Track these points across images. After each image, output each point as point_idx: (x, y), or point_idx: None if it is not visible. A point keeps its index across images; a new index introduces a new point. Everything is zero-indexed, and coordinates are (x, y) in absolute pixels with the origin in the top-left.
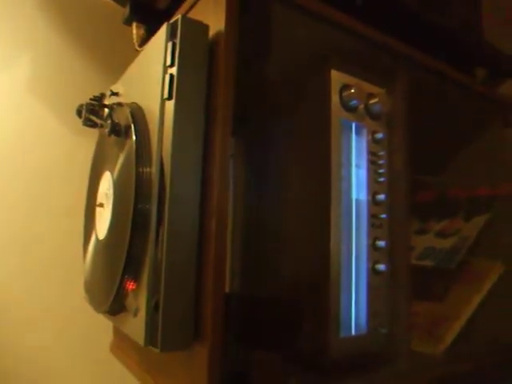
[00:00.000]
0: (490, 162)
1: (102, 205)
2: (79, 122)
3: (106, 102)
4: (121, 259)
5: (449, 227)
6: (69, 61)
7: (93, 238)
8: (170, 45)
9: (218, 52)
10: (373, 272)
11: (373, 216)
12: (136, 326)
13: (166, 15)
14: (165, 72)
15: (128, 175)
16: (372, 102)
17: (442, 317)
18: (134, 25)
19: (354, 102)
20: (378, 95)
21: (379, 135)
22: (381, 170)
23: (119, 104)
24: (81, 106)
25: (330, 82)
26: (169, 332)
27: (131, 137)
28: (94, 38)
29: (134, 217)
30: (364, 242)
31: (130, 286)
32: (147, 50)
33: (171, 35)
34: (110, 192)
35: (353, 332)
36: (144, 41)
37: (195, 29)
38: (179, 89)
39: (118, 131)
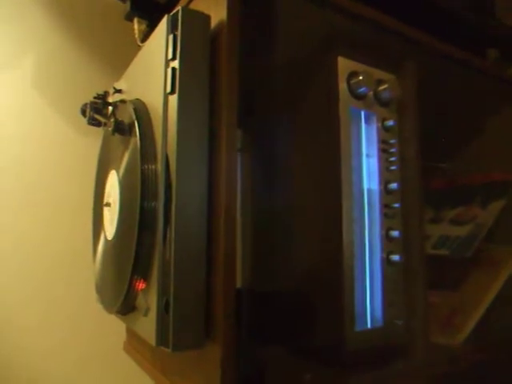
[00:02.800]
0: (504, 146)
1: (109, 204)
2: (84, 120)
3: (110, 99)
4: (129, 259)
5: (464, 214)
6: (72, 59)
7: (102, 239)
8: (171, 37)
9: (220, 43)
10: (387, 263)
11: (385, 206)
12: (147, 325)
13: (167, 8)
14: (167, 66)
15: (133, 173)
16: (381, 88)
17: (459, 306)
18: (136, 20)
19: (362, 90)
20: (387, 81)
21: (389, 123)
22: (392, 159)
23: (122, 101)
24: (85, 105)
25: (337, 69)
26: (180, 331)
27: (135, 134)
28: (98, 35)
29: (140, 215)
30: (377, 232)
31: (140, 285)
32: (149, 45)
33: (172, 27)
34: (117, 191)
35: (368, 325)
36: (146, 36)
37: (196, 20)
38: (182, 82)
39: (122, 129)
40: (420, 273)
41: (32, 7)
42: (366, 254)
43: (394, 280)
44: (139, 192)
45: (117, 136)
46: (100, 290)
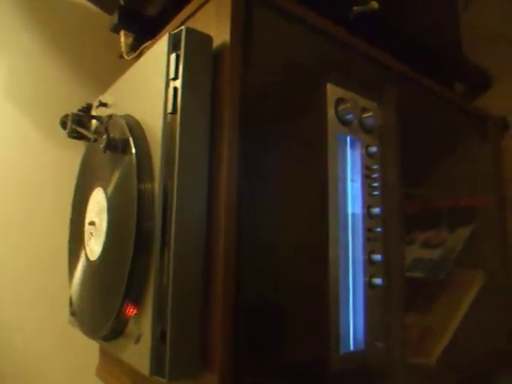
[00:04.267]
0: (470, 174)
1: (93, 223)
2: (57, 131)
3: (94, 113)
4: (120, 283)
5: (433, 238)
6: (48, 69)
7: (82, 259)
8: (173, 57)
9: (222, 64)
10: (369, 286)
11: (368, 230)
12: (138, 354)
13: (155, 24)
14: (167, 85)
15: (127, 192)
16: (366, 115)
17: (428, 328)
18: (122, 33)
19: (349, 116)
20: (371, 109)
21: (373, 149)
22: (375, 184)
23: (111, 116)
24: (65, 116)
25: (326, 96)
26: (176, 360)
27: (130, 151)
28: (76, 47)
29: (136, 237)
30: (360, 256)
31: (130, 311)
32: (145, 61)
33: (174, 46)
34: (104, 210)
35: (351, 347)
36: (132, 49)
37: (199, 40)
38: (184, 103)
39: (115, 146)
40: (399, 295)
41: (7, 12)
42: (349, 276)
43: (376, 303)
44: (135, 212)
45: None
46: (78, 313)
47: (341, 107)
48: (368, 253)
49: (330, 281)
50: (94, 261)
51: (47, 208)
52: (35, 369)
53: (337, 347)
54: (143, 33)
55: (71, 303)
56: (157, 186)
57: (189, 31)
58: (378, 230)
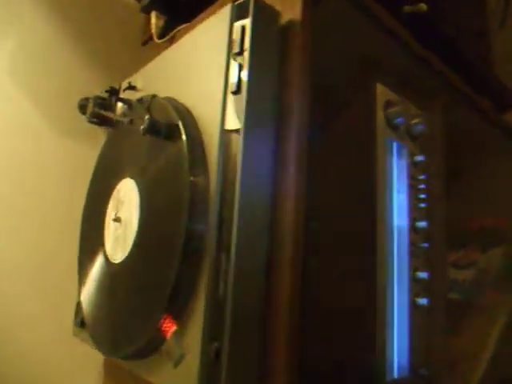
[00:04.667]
0: (499, 192)
1: (118, 219)
2: (62, 118)
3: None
4: (158, 292)
5: (464, 258)
6: (58, 50)
7: (100, 260)
8: (237, 29)
9: (291, 42)
10: (413, 306)
11: (413, 244)
12: (179, 378)
13: (189, 7)
14: (229, 61)
15: (171, 186)
16: (414, 121)
17: (461, 353)
18: (154, 15)
19: (398, 120)
20: (419, 115)
21: (419, 158)
22: (421, 196)
23: (154, 96)
24: (85, 99)
25: (375, 96)
26: None
27: (179, 138)
28: (89, 31)
29: (186, 239)
30: (405, 273)
31: (169, 326)
32: (195, 37)
33: (238, 18)
34: (135, 204)
35: (395, 374)
36: (164, 32)
37: (267, 14)
38: (251, 80)
39: (158, 131)
40: (443, 318)
41: None
42: (394, 296)
43: (420, 325)
44: (186, 210)
45: (135, 137)
46: (91, 324)
47: (391, 110)
48: (413, 270)
49: (377, 299)
50: (118, 263)
51: (58, 203)
52: (34, 371)
53: (383, 374)
54: (176, 16)
55: (77, 312)
56: (212, 181)
57: (257, 1)
58: (424, 245)
